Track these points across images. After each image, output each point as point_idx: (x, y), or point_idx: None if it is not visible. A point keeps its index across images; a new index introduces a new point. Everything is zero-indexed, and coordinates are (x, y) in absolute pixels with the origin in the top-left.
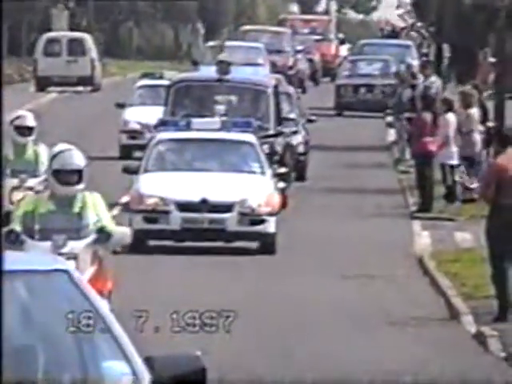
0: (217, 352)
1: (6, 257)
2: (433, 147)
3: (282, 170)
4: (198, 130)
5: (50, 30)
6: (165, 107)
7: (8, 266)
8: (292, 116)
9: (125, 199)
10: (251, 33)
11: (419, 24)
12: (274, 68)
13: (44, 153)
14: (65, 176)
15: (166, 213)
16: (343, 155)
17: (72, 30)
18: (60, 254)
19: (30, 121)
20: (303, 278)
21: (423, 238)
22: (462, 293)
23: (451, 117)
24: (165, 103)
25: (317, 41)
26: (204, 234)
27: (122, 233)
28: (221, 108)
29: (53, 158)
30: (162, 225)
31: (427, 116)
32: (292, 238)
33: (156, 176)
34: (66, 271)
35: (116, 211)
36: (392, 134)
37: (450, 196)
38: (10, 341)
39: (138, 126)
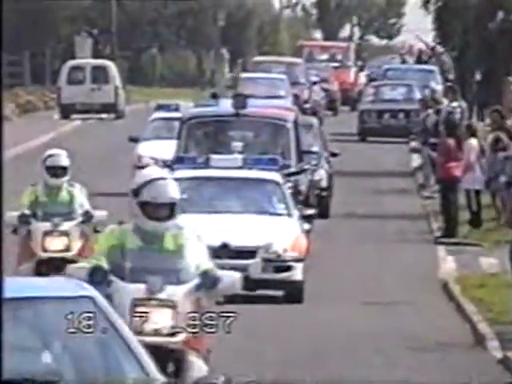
0: (236, 372)
1: (32, 283)
2: (457, 172)
3: (310, 211)
4: (218, 167)
5: (73, 57)
6: (177, 144)
7: (35, 292)
8: (314, 149)
9: None
10: (263, 64)
11: (442, 49)
12: (295, 101)
13: (79, 194)
14: (155, 210)
15: None
16: (367, 181)
17: (95, 57)
18: (155, 300)
19: (64, 160)
20: (326, 304)
21: (448, 263)
22: (488, 318)
23: (473, 142)
24: (177, 139)
25: (335, 68)
26: None
27: (232, 278)
28: (237, 145)
29: (143, 186)
30: None
31: (451, 141)
32: (314, 264)
33: None
34: (91, 297)
35: None
36: (416, 160)
37: (474, 221)
38: (37, 367)
39: (152, 162)
